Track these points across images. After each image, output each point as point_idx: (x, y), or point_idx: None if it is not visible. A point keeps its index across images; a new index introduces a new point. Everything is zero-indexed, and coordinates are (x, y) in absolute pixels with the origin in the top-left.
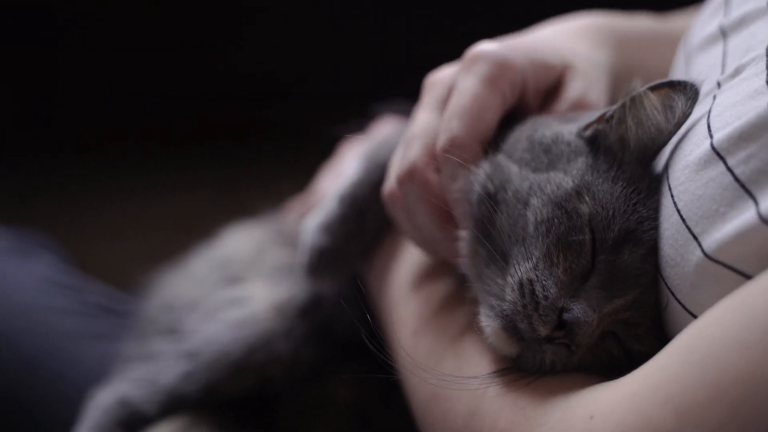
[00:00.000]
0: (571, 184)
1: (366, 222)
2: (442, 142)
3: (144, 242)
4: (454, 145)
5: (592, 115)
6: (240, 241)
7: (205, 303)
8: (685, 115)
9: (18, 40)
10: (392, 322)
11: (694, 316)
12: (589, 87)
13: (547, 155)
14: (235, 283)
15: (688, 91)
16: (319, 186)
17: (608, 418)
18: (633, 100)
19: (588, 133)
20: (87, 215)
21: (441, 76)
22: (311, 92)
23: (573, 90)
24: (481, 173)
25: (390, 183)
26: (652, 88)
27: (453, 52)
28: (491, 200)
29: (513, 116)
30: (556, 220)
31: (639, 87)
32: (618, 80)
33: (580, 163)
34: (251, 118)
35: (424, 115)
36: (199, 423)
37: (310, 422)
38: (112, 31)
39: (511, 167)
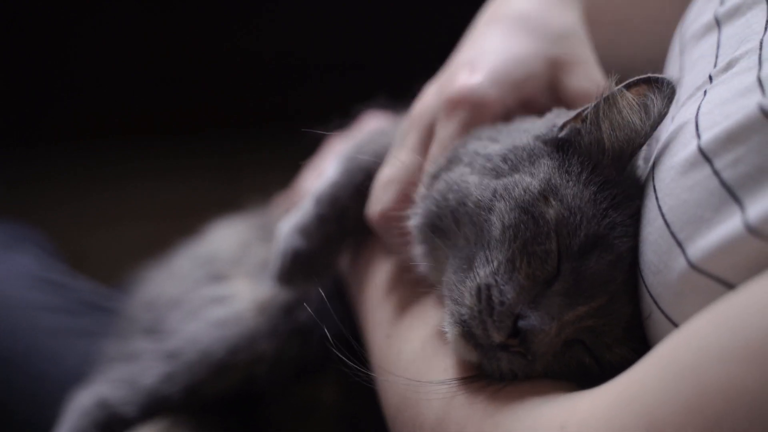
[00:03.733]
0: (537, 187)
1: (346, 225)
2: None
3: (140, 232)
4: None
5: (569, 113)
6: (224, 238)
7: (188, 301)
8: (661, 115)
9: (11, 26)
10: (369, 326)
11: (677, 327)
12: (583, 72)
13: (506, 162)
14: (219, 280)
15: (665, 89)
16: (302, 184)
17: (581, 428)
18: (607, 99)
19: (564, 132)
20: (82, 205)
21: (423, 112)
22: (318, 81)
23: (570, 88)
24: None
25: (370, 214)
26: (628, 86)
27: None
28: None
29: None
30: (522, 225)
31: (614, 85)
32: (589, 24)
33: (546, 165)
34: (251, 107)
35: (404, 157)
36: (180, 425)
37: (297, 423)
38: (110, 17)
39: (469, 179)
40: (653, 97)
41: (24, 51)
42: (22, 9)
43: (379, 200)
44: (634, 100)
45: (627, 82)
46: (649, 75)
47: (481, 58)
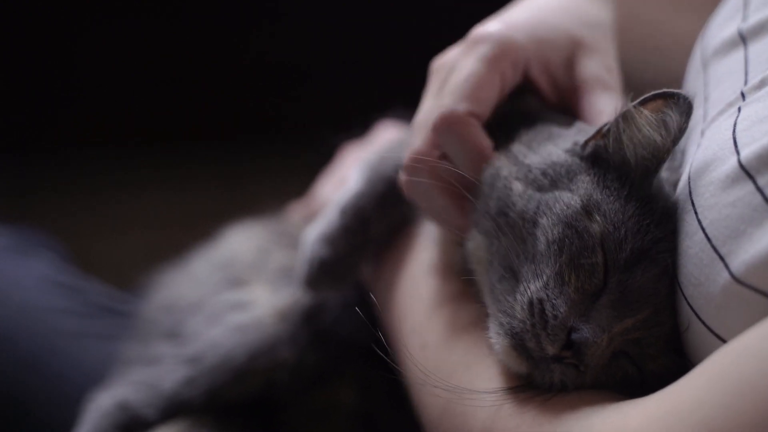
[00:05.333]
0: (579, 203)
1: (370, 233)
2: (435, 119)
3: (149, 239)
4: (444, 119)
5: (588, 131)
6: (242, 242)
7: (208, 306)
8: (681, 131)
9: (19, 32)
10: (401, 334)
11: (720, 339)
12: (602, 60)
13: (546, 177)
14: (238, 286)
15: (681, 105)
16: (319, 192)
17: None
18: (625, 117)
19: (588, 150)
20: (91, 211)
21: (444, 61)
22: (323, 86)
23: (586, 70)
24: (498, 172)
25: (402, 173)
26: (644, 102)
27: None
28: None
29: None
30: (567, 240)
31: (629, 103)
32: (619, 34)
33: (586, 181)
34: (257, 114)
35: (427, 102)
36: (200, 428)
37: (315, 426)
38: (117, 26)
39: (514, 185)
40: (671, 112)
41: (35, 58)
42: (29, 14)
43: (410, 145)
44: (651, 116)
45: (642, 98)
46: (665, 90)
47: (506, 15)
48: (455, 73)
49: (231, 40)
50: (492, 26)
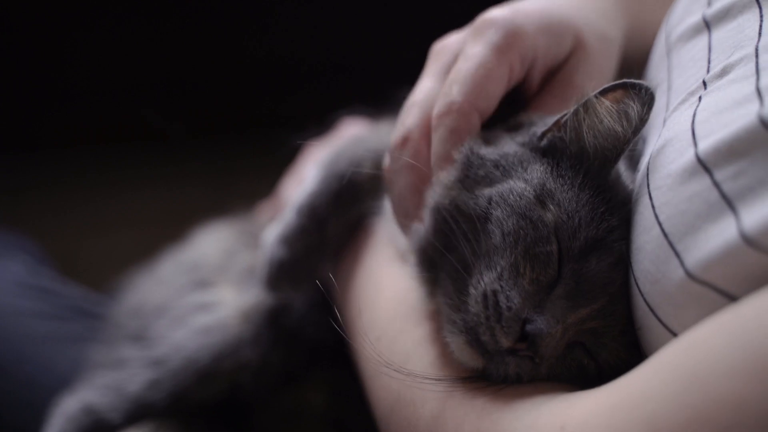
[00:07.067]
0: (532, 192)
1: (327, 232)
2: (438, 106)
3: (133, 238)
4: (450, 111)
5: (546, 122)
6: (209, 244)
7: (174, 308)
8: (643, 121)
9: (6, 30)
10: (357, 330)
11: (675, 336)
12: (596, 73)
13: (498, 168)
14: (204, 287)
15: (643, 95)
16: (283, 191)
17: (581, 429)
18: (585, 106)
19: (545, 142)
20: (74, 211)
21: (448, 43)
22: (323, 86)
23: (580, 77)
24: (438, 191)
25: (391, 143)
26: (605, 92)
27: None
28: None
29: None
30: (522, 231)
31: (590, 92)
32: (631, 43)
33: (539, 171)
34: (244, 113)
35: (426, 82)
36: (165, 430)
37: (284, 427)
38: (103, 26)
39: (457, 198)
40: (632, 103)
41: (19, 57)
42: (20, 11)
43: (402, 124)
44: (612, 107)
45: (602, 88)
46: (625, 80)
47: (519, 4)
48: (464, 61)
49: (231, 40)
50: (501, 12)
